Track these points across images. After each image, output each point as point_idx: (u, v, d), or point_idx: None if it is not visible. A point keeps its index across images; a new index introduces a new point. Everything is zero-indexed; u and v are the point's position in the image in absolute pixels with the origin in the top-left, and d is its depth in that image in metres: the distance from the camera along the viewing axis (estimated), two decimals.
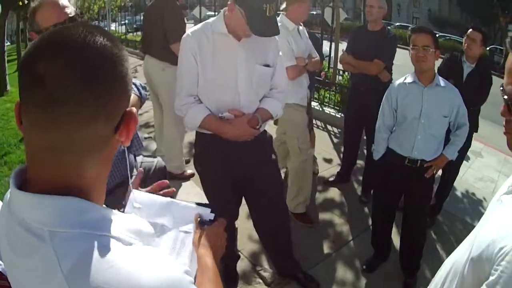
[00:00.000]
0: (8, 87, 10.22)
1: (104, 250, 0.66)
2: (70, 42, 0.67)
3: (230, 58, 2.17)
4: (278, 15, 4.57)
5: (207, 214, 1.21)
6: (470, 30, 3.51)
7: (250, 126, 2.21)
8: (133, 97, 2.05)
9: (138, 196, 1.21)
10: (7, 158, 5.26)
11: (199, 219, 1.19)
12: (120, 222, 0.74)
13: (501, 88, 0.98)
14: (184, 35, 2.22)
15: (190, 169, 4.18)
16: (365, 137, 4.25)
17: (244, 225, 3.29)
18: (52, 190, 0.69)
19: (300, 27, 3.49)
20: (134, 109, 0.76)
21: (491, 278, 0.91)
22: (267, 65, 2.28)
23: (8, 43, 19.04)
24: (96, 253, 0.65)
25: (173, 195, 1.30)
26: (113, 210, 0.77)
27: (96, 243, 0.66)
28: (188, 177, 4.07)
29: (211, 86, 2.20)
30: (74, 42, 0.67)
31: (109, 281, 0.62)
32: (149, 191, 1.25)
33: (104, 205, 0.78)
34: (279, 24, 3.21)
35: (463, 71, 3.52)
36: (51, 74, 0.64)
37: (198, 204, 1.23)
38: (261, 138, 2.38)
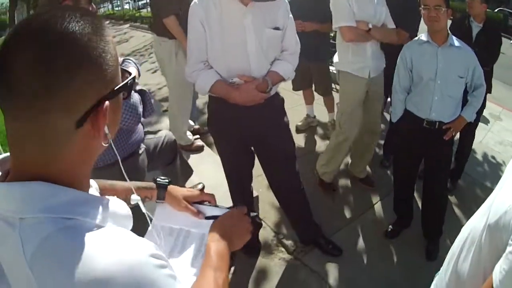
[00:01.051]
0: None
1: (68, 233, 0.65)
2: (32, 29, 0.66)
3: (238, 23, 2.17)
4: None
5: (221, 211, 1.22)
6: None
7: (260, 91, 2.22)
8: (135, 70, 2.17)
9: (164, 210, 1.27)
10: None
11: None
12: (91, 204, 0.73)
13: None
14: (192, 3, 2.22)
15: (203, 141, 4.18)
16: (389, 99, 4.18)
17: (266, 194, 3.30)
18: (21, 178, 0.68)
19: None
20: (106, 104, 0.70)
21: (509, 249, 0.88)
22: (277, 28, 2.27)
23: None
24: (58, 237, 0.64)
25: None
26: (87, 193, 0.76)
27: (60, 227, 0.65)
28: (196, 149, 4.02)
29: (221, 52, 2.22)
30: (34, 29, 0.66)
31: (69, 265, 0.61)
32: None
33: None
34: None
35: (471, 31, 3.47)
36: (10, 64, 0.64)
37: (228, 208, 1.24)
38: (272, 101, 2.39)
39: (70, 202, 0.69)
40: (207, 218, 1.20)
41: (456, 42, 2.68)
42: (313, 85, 4.75)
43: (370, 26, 3.05)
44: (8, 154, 0.76)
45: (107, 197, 0.79)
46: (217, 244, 1.05)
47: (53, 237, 0.63)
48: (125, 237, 0.70)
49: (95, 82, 0.69)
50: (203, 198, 1.28)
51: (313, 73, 4.49)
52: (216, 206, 1.26)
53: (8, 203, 0.67)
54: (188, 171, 2.91)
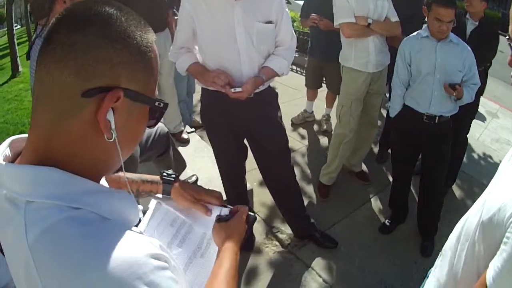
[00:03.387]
0: (20, 68, 10.34)
1: (73, 224, 0.65)
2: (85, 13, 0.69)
3: (227, 17, 2.16)
4: None
5: (225, 211, 1.19)
6: None
7: (256, 87, 2.24)
8: None
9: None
10: None
11: (218, 215, 1.18)
12: (101, 196, 0.72)
13: (507, 37, 0.95)
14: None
15: (196, 135, 4.13)
16: (387, 94, 4.17)
17: (260, 187, 3.30)
18: (32, 161, 0.69)
19: None
20: (120, 94, 0.69)
21: (502, 246, 0.88)
22: (269, 22, 2.25)
23: (18, 26, 19.17)
24: (63, 226, 0.64)
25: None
26: (98, 184, 0.76)
27: (66, 216, 0.65)
28: (183, 141, 3.95)
29: (211, 46, 2.25)
30: (84, 11, 0.69)
31: (68, 256, 0.62)
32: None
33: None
34: None
35: (465, 29, 3.39)
36: (59, 34, 0.67)
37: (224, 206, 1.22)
38: (264, 95, 2.40)
39: (80, 192, 0.69)
40: (218, 218, 1.16)
41: (455, 38, 2.69)
42: (326, 84, 4.76)
43: (370, 21, 3.04)
44: (21, 135, 0.77)
45: (117, 190, 0.79)
46: (230, 246, 1.05)
47: (58, 225, 0.64)
48: (127, 234, 0.69)
49: (118, 65, 0.69)
50: (209, 199, 1.23)
51: (326, 71, 4.47)
52: (220, 206, 1.23)
53: (16, 184, 0.68)
54: (182, 164, 2.88)
